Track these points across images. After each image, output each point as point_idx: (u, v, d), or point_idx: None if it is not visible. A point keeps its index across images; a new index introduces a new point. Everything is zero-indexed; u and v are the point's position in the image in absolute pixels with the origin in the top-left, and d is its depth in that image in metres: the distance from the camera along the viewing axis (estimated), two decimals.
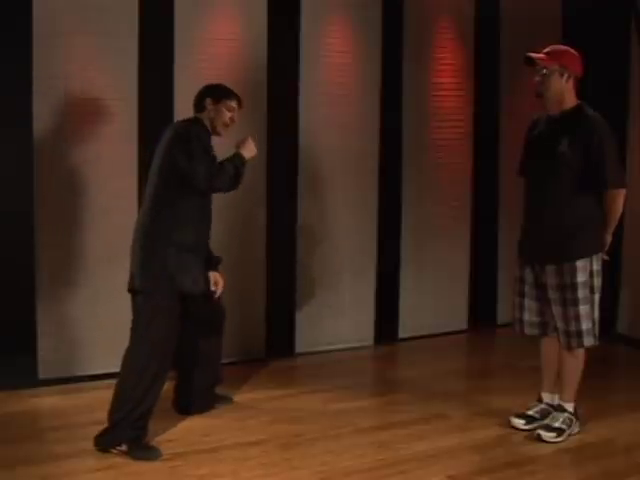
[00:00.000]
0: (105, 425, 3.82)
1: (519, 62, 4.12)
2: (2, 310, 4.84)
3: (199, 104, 4.14)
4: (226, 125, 4.15)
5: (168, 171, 3.91)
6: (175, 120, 4.49)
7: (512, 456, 3.89)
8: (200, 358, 4.30)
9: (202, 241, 4.07)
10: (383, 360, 5.62)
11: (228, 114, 4.13)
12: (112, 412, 3.82)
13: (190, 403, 4.34)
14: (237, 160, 4.03)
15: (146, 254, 3.90)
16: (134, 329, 3.89)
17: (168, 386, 4.67)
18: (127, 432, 3.78)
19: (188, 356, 4.27)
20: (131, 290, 3.95)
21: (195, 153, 3.86)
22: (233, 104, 4.16)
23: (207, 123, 4.10)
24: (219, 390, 4.51)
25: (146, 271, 3.88)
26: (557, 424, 4.06)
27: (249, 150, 4.10)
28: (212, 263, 4.18)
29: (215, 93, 4.13)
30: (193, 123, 4.07)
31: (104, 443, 3.82)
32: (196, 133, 3.97)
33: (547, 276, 4.03)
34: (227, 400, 4.52)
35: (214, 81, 4.24)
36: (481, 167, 6.16)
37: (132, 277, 3.94)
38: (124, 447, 3.79)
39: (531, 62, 4.02)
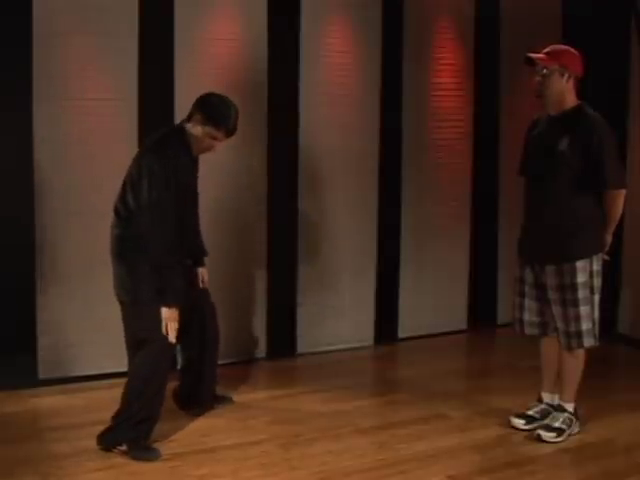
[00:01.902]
0: (107, 424, 3.83)
1: (519, 62, 4.12)
2: (2, 310, 4.84)
3: (191, 113, 3.83)
4: (201, 152, 3.91)
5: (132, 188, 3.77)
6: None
7: (512, 456, 3.90)
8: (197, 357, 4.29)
9: (180, 248, 3.89)
10: (383, 360, 5.62)
11: (208, 141, 3.81)
12: (117, 413, 3.83)
13: (191, 402, 4.34)
14: (168, 294, 3.71)
15: (122, 266, 3.83)
16: (144, 337, 3.84)
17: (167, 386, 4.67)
18: (128, 433, 3.79)
19: (188, 356, 4.28)
20: (120, 302, 3.92)
21: (147, 198, 3.65)
22: (219, 135, 3.80)
23: (191, 138, 3.83)
24: (219, 390, 4.51)
25: (126, 282, 3.83)
26: (557, 424, 4.06)
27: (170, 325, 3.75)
28: (199, 259, 4.19)
29: (209, 113, 3.77)
30: (169, 144, 3.77)
31: (105, 442, 3.83)
32: (162, 165, 3.67)
33: (547, 276, 4.03)
34: (227, 400, 4.51)
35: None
36: (481, 167, 6.16)
37: (115, 289, 3.89)
38: (124, 447, 3.79)
39: (531, 62, 4.02)
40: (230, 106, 3.85)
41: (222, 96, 3.90)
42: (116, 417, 3.82)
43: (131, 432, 3.78)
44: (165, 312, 3.74)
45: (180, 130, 3.89)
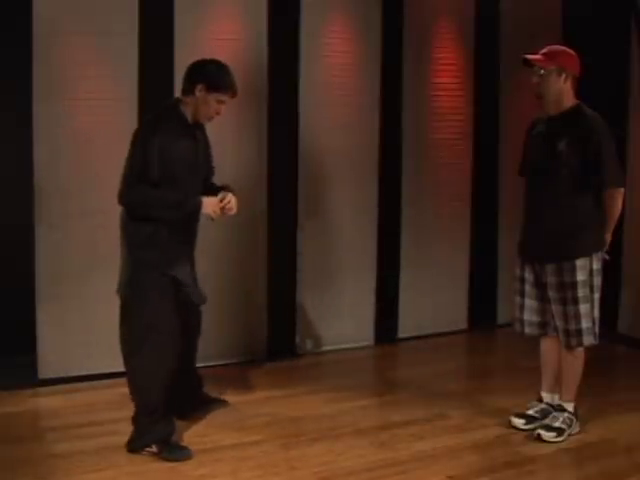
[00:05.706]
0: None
1: (519, 62, 4.12)
2: (2, 310, 4.84)
3: (189, 87, 3.82)
4: (209, 119, 3.91)
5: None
6: None
7: (512, 456, 3.89)
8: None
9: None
10: (383, 360, 5.62)
11: (215, 107, 3.83)
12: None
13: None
14: (189, 207, 3.78)
15: None
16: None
17: None
18: (153, 434, 3.76)
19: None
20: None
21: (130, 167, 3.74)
22: (225, 98, 3.84)
23: (189, 109, 3.83)
24: (214, 393, 4.49)
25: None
26: (557, 424, 4.06)
27: (213, 208, 3.83)
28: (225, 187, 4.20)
29: (211, 81, 3.79)
30: (161, 117, 3.80)
31: (133, 447, 3.81)
32: (148, 138, 3.71)
33: (547, 275, 4.03)
34: (221, 403, 4.46)
35: None
36: (481, 167, 6.16)
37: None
38: (154, 448, 3.77)
39: (529, 64, 4.02)
40: (228, 70, 3.89)
41: (216, 61, 3.92)
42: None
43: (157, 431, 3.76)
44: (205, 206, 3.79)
45: (173, 105, 3.90)
